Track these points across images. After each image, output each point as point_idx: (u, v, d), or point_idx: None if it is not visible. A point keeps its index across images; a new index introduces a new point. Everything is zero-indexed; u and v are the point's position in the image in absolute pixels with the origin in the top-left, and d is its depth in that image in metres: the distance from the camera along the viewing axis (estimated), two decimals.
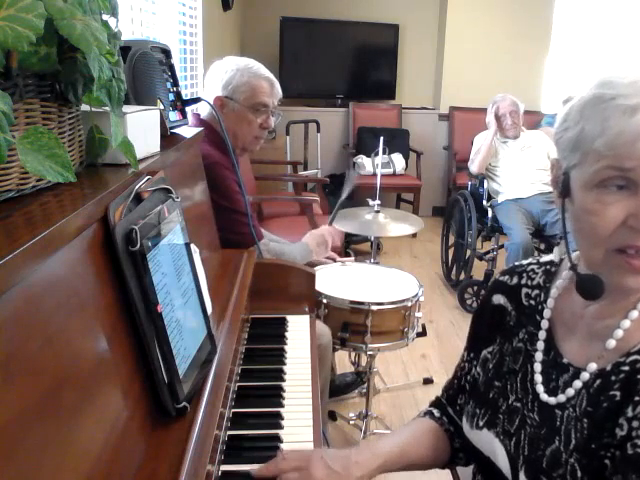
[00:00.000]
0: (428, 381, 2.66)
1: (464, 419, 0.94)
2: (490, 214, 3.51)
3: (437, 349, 3.01)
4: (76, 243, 0.69)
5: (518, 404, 0.86)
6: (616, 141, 0.69)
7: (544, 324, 0.87)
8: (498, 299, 0.95)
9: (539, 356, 0.86)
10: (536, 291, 0.91)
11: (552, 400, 0.81)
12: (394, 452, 0.93)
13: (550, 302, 0.88)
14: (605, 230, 0.72)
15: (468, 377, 0.99)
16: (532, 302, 0.91)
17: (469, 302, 3.47)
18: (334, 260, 2.17)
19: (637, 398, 0.72)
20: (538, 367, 0.85)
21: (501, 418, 0.87)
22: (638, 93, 0.69)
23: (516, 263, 0.97)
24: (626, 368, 0.75)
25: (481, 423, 0.89)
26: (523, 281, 0.93)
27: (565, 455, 0.76)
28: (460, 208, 3.65)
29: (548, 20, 5.27)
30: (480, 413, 0.90)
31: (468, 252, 3.57)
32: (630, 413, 0.72)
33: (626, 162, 0.69)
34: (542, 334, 0.87)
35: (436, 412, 1.04)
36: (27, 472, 0.53)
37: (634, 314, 0.77)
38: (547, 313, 0.88)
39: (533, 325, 0.89)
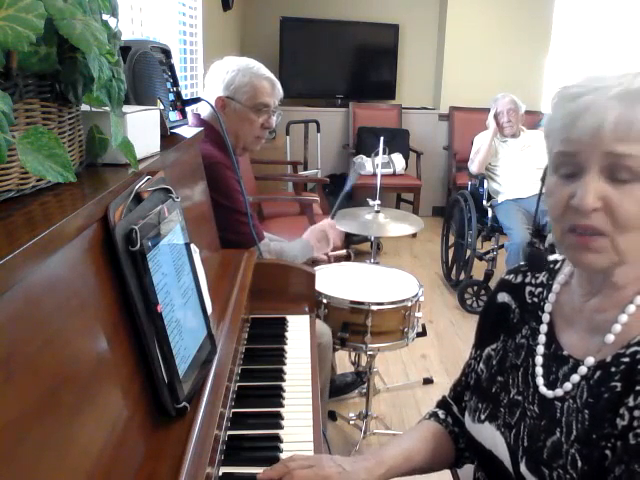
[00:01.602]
0: (428, 381, 2.66)
1: (466, 414, 0.95)
2: (490, 214, 3.51)
3: (437, 349, 3.01)
4: (76, 243, 0.69)
5: (519, 397, 0.87)
6: (558, 126, 0.75)
7: (545, 318, 0.89)
8: (503, 297, 0.97)
9: (540, 349, 0.87)
10: (539, 289, 0.93)
11: (550, 393, 0.83)
12: (398, 459, 0.94)
13: (552, 297, 0.90)
14: (557, 210, 0.77)
15: (473, 373, 1.00)
16: (535, 299, 0.92)
17: (469, 302, 3.47)
18: (327, 256, 2.15)
19: (638, 388, 0.72)
20: (539, 360, 0.86)
21: (502, 411, 0.88)
22: (587, 84, 0.73)
23: (522, 263, 0.99)
24: (626, 359, 0.75)
25: (483, 417, 0.90)
26: (527, 279, 0.95)
27: (566, 446, 0.77)
28: (460, 208, 3.65)
29: (548, 20, 5.27)
30: (482, 407, 0.91)
31: (468, 252, 3.57)
32: (631, 402, 0.72)
33: (568, 146, 0.74)
34: (543, 327, 0.88)
35: (441, 413, 1.05)
36: (27, 472, 0.53)
37: (631, 308, 0.78)
38: (548, 307, 0.89)
39: (535, 320, 0.90)
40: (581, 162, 0.73)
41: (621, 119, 0.70)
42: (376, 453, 0.94)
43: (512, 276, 0.98)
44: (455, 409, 1.05)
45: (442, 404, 1.08)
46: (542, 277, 0.93)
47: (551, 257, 0.96)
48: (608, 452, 0.73)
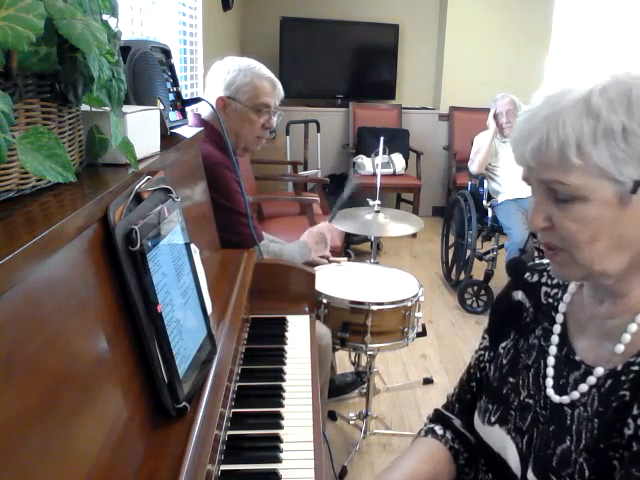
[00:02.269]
0: (428, 381, 2.66)
1: (476, 414, 0.94)
2: (490, 214, 3.51)
3: (437, 349, 3.01)
4: (76, 243, 0.69)
5: (530, 400, 0.86)
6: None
7: (559, 318, 0.88)
8: (517, 295, 0.95)
9: (553, 350, 0.86)
10: (555, 290, 0.92)
11: (557, 398, 0.82)
12: None
13: (567, 297, 0.88)
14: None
15: (484, 374, 0.98)
16: (550, 300, 0.91)
17: (469, 302, 3.47)
18: (328, 260, 2.17)
19: None
20: (551, 361, 0.85)
21: (513, 415, 0.87)
22: (533, 109, 0.74)
23: (537, 261, 0.98)
24: (636, 368, 0.75)
25: (493, 419, 0.89)
26: (543, 279, 0.94)
27: (575, 454, 0.76)
28: (460, 208, 3.65)
29: (548, 20, 5.26)
30: (492, 409, 0.90)
31: (468, 252, 3.57)
32: (636, 411, 0.71)
33: (522, 170, 0.77)
34: (557, 328, 0.87)
35: (438, 429, 1.01)
36: (27, 472, 0.53)
37: None
38: (562, 307, 0.88)
39: (548, 321, 0.89)
40: (531, 185, 0.77)
41: (540, 145, 0.72)
42: None
43: (528, 274, 0.96)
44: (457, 423, 1.01)
45: (437, 418, 1.04)
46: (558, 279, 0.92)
47: None
48: (616, 462, 0.72)
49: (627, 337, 0.77)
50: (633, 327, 0.77)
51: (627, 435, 0.72)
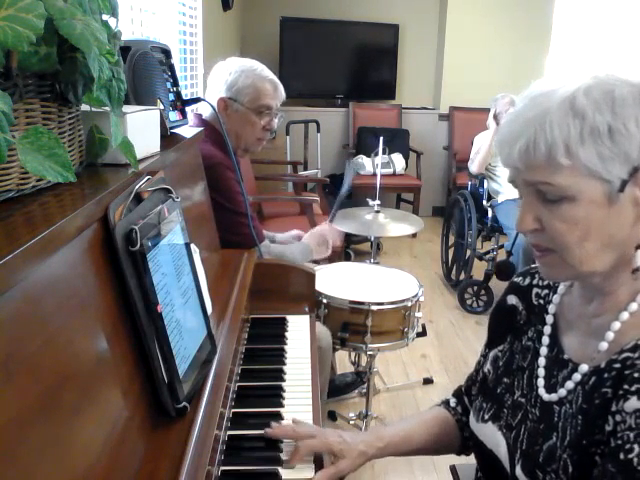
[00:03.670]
0: (428, 381, 2.66)
1: (471, 412, 0.96)
2: (490, 214, 3.51)
3: (437, 349, 3.01)
4: (76, 243, 0.69)
5: (523, 399, 0.87)
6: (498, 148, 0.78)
7: (549, 319, 0.89)
8: (511, 299, 0.97)
9: (544, 351, 0.87)
10: (545, 291, 0.93)
11: (547, 396, 0.83)
12: (396, 437, 0.99)
13: (556, 298, 0.90)
14: None
15: (481, 372, 1.00)
16: (541, 301, 0.93)
17: (469, 302, 3.47)
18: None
19: (621, 392, 0.72)
20: (542, 362, 0.87)
21: (505, 412, 0.89)
22: (518, 111, 0.75)
23: (532, 265, 0.98)
24: (618, 365, 0.75)
25: (486, 416, 0.91)
26: (534, 281, 0.95)
27: (559, 451, 0.77)
28: (460, 208, 3.65)
29: (548, 20, 5.27)
30: (486, 407, 0.92)
31: (468, 252, 3.57)
32: (614, 407, 0.72)
33: (509, 172, 0.77)
34: (547, 329, 0.88)
35: (452, 402, 1.08)
36: (27, 472, 0.53)
37: (624, 315, 0.78)
38: (552, 308, 0.89)
39: (540, 323, 0.91)
40: (518, 186, 0.78)
41: (527, 147, 0.72)
42: (376, 429, 1.00)
43: (521, 279, 0.98)
44: (466, 400, 1.06)
45: (456, 393, 1.10)
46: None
47: None
48: (598, 458, 0.73)
49: (610, 335, 0.78)
50: (616, 325, 0.78)
51: (607, 431, 0.72)
